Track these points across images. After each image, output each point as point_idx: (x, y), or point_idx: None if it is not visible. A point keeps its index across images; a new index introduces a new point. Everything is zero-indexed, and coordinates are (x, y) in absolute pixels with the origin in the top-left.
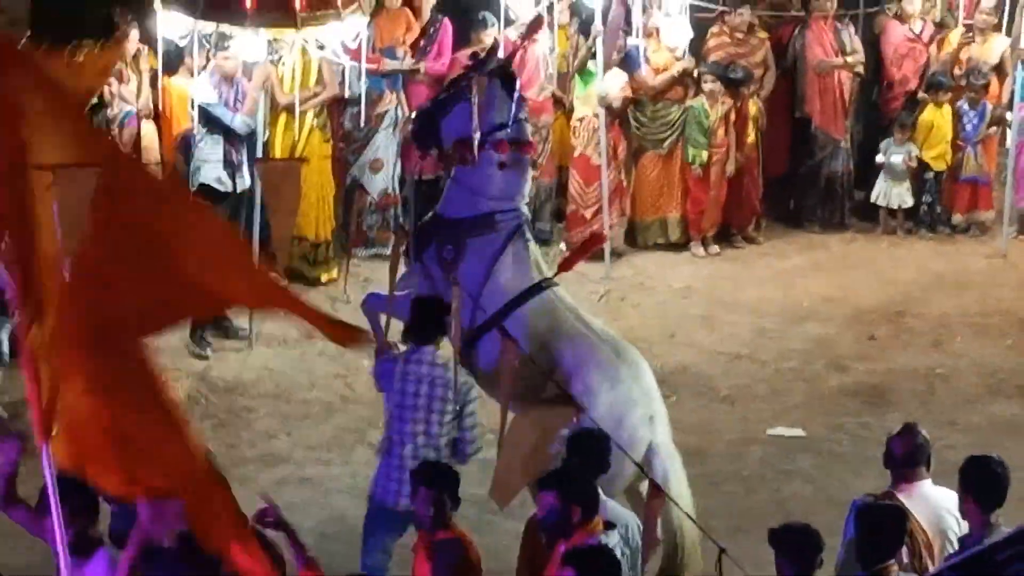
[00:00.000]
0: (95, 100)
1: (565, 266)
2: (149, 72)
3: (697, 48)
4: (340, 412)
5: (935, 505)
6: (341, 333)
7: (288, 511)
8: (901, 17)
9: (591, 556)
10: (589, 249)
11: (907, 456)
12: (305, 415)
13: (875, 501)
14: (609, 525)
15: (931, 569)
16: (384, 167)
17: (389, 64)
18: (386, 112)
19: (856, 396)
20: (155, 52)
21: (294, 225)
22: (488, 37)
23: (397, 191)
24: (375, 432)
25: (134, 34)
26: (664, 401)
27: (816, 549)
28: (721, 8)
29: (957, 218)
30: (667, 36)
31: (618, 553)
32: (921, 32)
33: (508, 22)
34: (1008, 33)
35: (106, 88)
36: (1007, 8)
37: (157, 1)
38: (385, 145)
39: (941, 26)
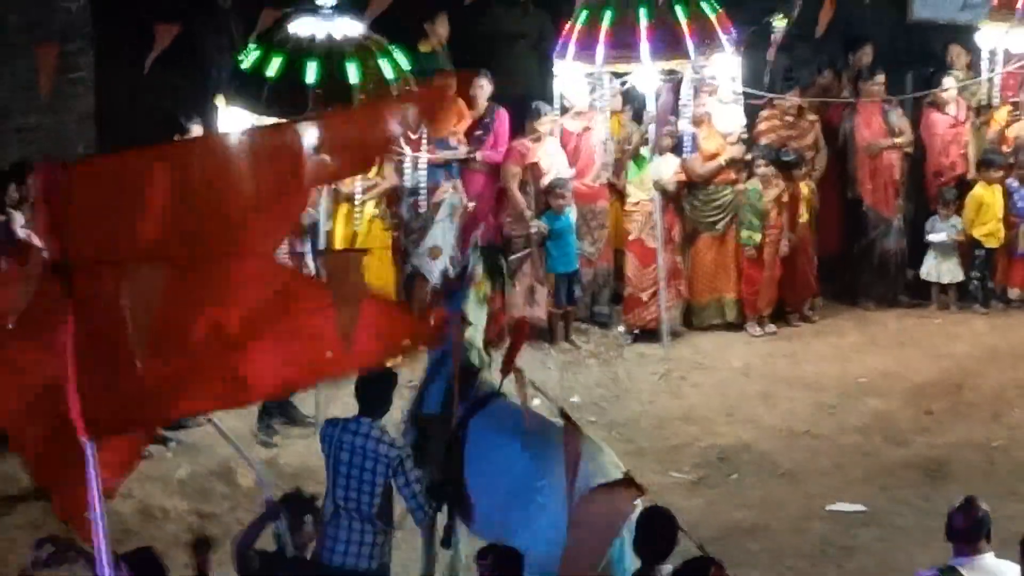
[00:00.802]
0: None
1: (507, 368)
2: None
3: (748, 132)
4: None
5: None
6: None
7: None
8: (937, 105)
9: None
10: (521, 342)
11: (968, 529)
12: None
13: (938, 574)
14: None
15: None
16: (442, 254)
17: (445, 154)
18: (443, 201)
19: (916, 469)
20: None
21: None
22: (542, 125)
23: (457, 277)
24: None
25: (197, 130)
26: (726, 479)
27: None
28: (771, 95)
29: (1014, 292)
30: (719, 122)
31: None
32: (958, 114)
33: (563, 110)
34: None
35: None
36: None
37: (220, 97)
38: (443, 233)
39: (980, 108)
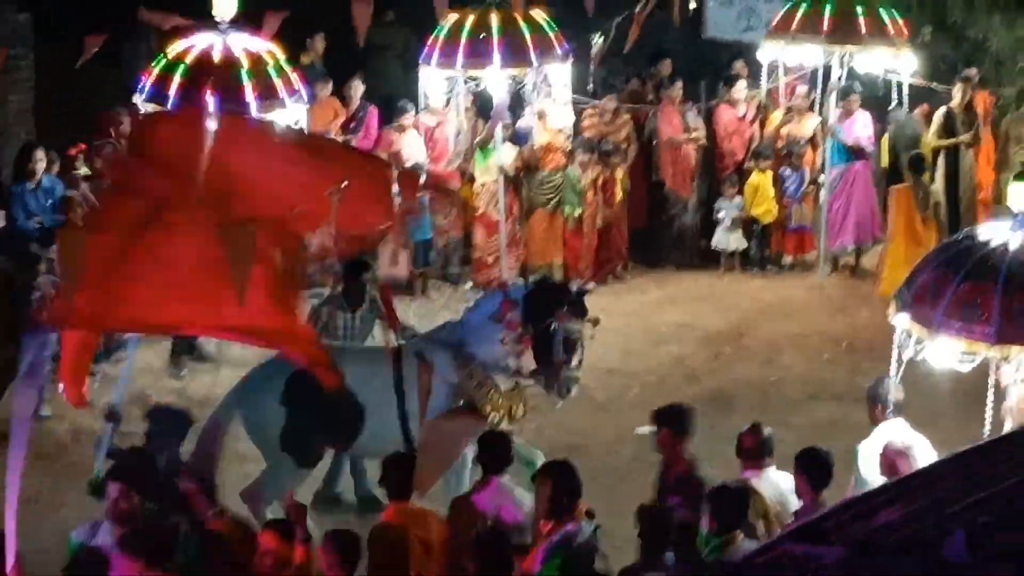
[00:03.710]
0: (86, 171)
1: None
2: None
3: (574, 128)
4: None
5: (780, 488)
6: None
7: None
8: (731, 103)
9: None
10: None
11: (756, 448)
12: None
13: (725, 483)
14: (590, 515)
15: None
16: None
17: None
18: None
19: (706, 402)
20: None
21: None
22: (407, 121)
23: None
24: None
25: (128, 120)
26: (552, 409)
27: (670, 526)
28: (594, 101)
29: (787, 259)
30: (553, 119)
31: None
32: (745, 114)
33: (425, 107)
34: (819, 113)
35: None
36: (818, 93)
37: (137, 96)
38: None
39: (762, 109)
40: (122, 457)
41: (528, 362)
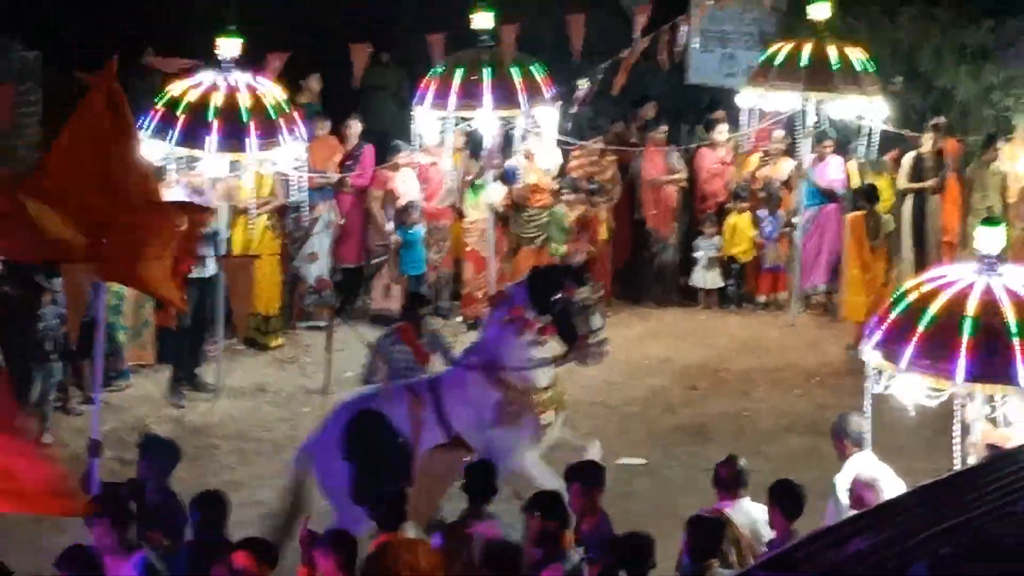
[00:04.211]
0: None
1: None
2: None
3: (561, 168)
4: (285, 449)
5: (753, 517)
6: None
7: (244, 528)
8: (712, 146)
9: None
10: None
11: (731, 479)
12: (258, 452)
13: (702, 514)
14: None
15: None
16: (318, 259)
17: (320, 180)
18: (319, 217)
19: (684, 433)
20: None
21: (251, 305)
22: (401, 159)
23: (329, 277)
24: None
25: None
26: None
27: (649, 553)
28: (580, 142)
29: (762, 298)
30: (540, 159)
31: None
32: (725, 156)
33: (419, 147)
34: (794, 157)
35: None
36: (794, 137)
37: (143, 132)
38: (319, 242)
39: (738, 153)
40: (108, 494)
41: (558, 346)
